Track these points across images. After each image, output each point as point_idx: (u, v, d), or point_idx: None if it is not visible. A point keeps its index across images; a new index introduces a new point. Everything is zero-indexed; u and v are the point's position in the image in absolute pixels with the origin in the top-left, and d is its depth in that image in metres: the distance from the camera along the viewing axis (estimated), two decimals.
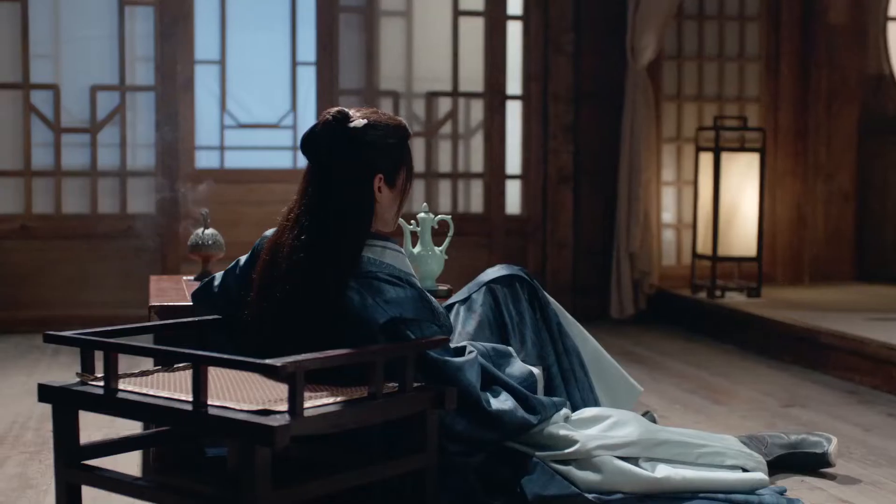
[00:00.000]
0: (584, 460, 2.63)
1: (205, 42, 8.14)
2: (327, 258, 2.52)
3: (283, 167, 8.58)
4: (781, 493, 2.79)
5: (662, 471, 2.65)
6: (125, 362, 3.66)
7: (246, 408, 2.24)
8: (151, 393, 2.38)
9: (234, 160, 8.52)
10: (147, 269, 5.65)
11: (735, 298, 5.85)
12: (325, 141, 2.59)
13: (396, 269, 2.57)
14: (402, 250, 2.64)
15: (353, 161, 2.59)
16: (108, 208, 5.89)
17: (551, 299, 3.02)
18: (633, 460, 2.68)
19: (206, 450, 3.10)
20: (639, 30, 6.04)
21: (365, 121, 2.59)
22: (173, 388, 2.42)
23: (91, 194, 5.86)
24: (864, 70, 6.62)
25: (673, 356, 5.10)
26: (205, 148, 8.34)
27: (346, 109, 2.63)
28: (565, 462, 2.64)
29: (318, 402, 2.30)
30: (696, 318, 5.88)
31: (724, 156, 5.95)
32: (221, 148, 8.50)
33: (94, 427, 3.53)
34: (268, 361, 2.19)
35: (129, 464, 3.13)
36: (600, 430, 2.71)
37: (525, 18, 6.26)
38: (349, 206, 2.58)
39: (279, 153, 8.70)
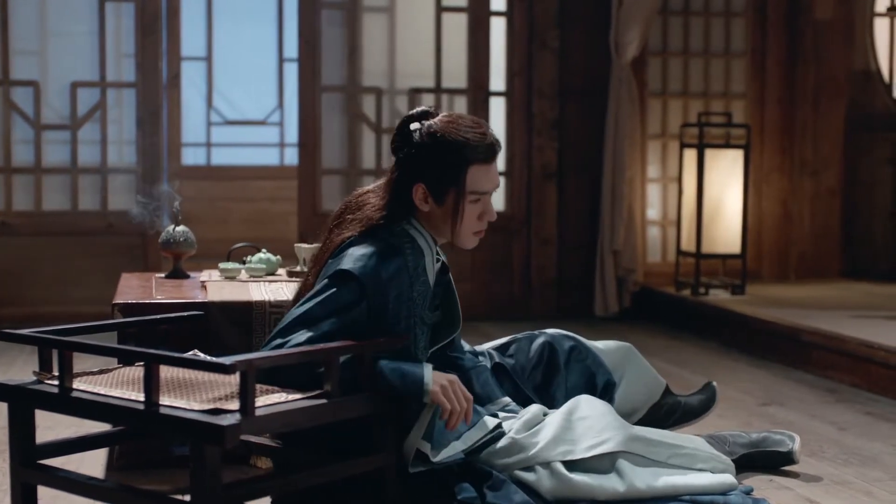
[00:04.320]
0: (552, 472, 2.56)
1: (191, 38, 8.12)
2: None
3: (271, 164, 8.58)
4: (748, 492, 2.76)
5: (629, 478, 2.58)
6: (97, 361, 3.63)
7: (198, 407, 2.21)
8: (105, 392, 2.36)
9: (221, 157, 8.52)
10: (129, 266, 5.61)
11: (719, 296, 5.82)
12: (395, 132, 2.67)
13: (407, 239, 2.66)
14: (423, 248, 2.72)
15: (400, 159, 2.65)
16: (88, 205, 5.86)
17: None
18: (608, 458, 2.61)
19: (171, 448, 3.08)
20: (623, 25, 6.00)
21: (429, 126, 2.61)
22: (130, 386, 2.39)
23: (72, 191, 5.83)
24: (850, 66, 6.59)
25: (655, 354, 5.07)
26: (191, 145, 8.34)
27: (432, 110, 2.66)
28: (532, 470, 2.57)
29: (270, 400, 2.28)
30: (680, 315, 5.85)
31: (709, 152, 5.92)
32: (208, 145, 8.51)
33: (63, 425, 3.51)
34: (219, 360, 2.16)
35: (95, 463, 3.11)
36: (571, 422, 2.64)
37: (509, 14, 6.22)
38: (389, 197, 2.64)
39: (267, 150, 8.70)
